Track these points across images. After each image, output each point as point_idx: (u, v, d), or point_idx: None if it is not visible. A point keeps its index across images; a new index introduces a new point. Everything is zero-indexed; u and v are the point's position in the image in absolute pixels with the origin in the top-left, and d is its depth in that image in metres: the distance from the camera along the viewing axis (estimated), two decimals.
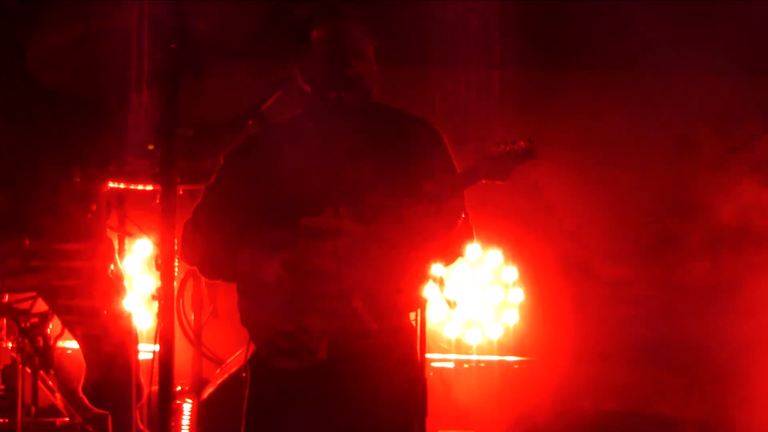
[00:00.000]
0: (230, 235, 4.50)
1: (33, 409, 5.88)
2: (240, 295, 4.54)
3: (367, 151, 4.52)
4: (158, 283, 4.07)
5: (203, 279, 7.17)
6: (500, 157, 4.35)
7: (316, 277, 4.40)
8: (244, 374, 4.60)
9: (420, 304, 4.45)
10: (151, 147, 4.89)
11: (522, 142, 4.35)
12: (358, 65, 4.47)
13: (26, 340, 5.83)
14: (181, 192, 6.12)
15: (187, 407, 7.14)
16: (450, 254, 4.56)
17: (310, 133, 4.57)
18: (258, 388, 4.57)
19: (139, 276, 7.59)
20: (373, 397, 4.49)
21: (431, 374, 7.68)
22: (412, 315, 4.52)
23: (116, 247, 6.15)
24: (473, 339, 8.04)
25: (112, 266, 5.91)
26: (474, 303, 8.03)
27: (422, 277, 4.42)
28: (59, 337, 6.00)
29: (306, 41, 4.52)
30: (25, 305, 5.94)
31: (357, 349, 4.45)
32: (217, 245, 4.52)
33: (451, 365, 7.80)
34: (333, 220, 4.41)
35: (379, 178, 4.48)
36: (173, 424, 5.43)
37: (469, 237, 4.60)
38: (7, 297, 5.95)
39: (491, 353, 7.99)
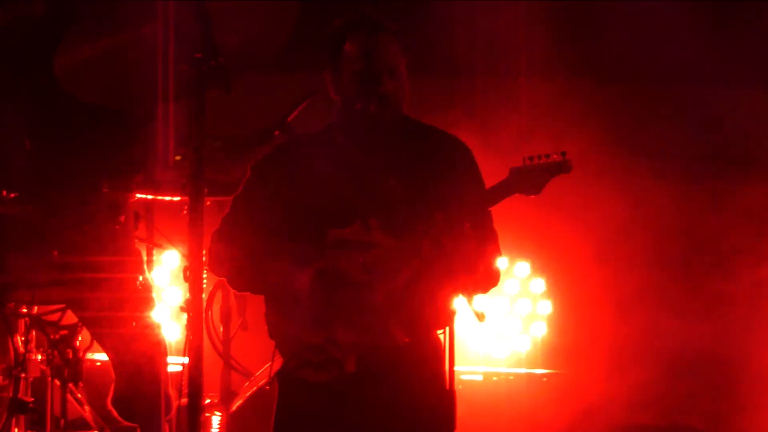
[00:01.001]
0: (259, 247, 4.49)
1: (62, 421, 5.90)
2: (268, 307, 4.53)
3: (396, 165, 4.51)
4: (187, 295, 4.08)
5: (232, 291, 7.18)
6: (533, 170, 4.33)
7: (346, 289, 4.39)
8: (268, 387, 4.58)
9: (449, 320, 4.45)
10: (178, 158, 4.91)
11: (555, 156, 4.33)
12: (389, 82, 4.46)
13: (55, 353, 5.85)
14: (208, 203, 6.12)
15: (215, 420, 7.14)
16: (484, 274, 4.51)
17: (340, 145, 4.56)
18: (286, 401, 4.56)
19: (167, 288, 7.60)
20: (402, 410, 4.47)
21: (459, 387, 7.64)
22: (439, 331, 4.51)
23: (145, 258, 6.16)
24: (501, 351, 8.02)
25: (140, 278, 5.91)
26: (502, 315, 8.02)
27: (451, 292, 4.42)
28: (88, 349, 6.01)
29: (339, 52, 4.50)
30: (54, 317, 5.95)
31: (386, 363, 4.44)
32: (245, 257, 4.51)
33: (479, 378, 7.78)
34: (363, 232, 4.40)
35: (408, 192, 4.47)
36: None
37: (497, 253, 4.58)
38: (36, 309, 5.96)
39: (520, 366, 7.97)
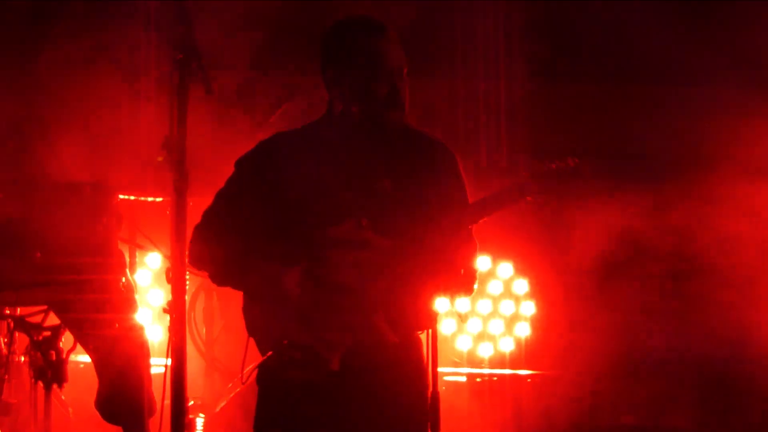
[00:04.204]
0: (243, 243, 4.47)
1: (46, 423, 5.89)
2: (248, 302, 4.50)
3: (387, 166, 4.50)
4: (170, 297, 4.07)
5: (215, 293, 7.18)
6: (551, 174, 4.29)
7: (336, 288, 4.38)
8: (243, 383, 4.56)
9: (432, 321, 4.46)
10: (160, 159, 4.89)
11: (570, 160, 4.28)
12: (399, 83, 4.45)
13: (38, 354, 5.84)
14: (191, 204, 6.10)
15: (199, 421, 7.15)
16: (465, 274, 4.51)
17: (332, 143, 4.54)
18: (268, 400, 4.54)
19: (150, 289, 7.60)
20: (385, 410, 4.47)
21: (443, 388, 7.66)
22: (421, 332, 4.52)
23: (127, 260, 6.15)
24: (485, 352, 8.03)
25: (123, 279, 5.91)
26: (485, 316, 8.03)
27: (434, 292, 4.43)
28: (72, 350, 6.00)
29: (344, 52, 4.49)
30: (37, 319, 5.94)
31: (371, 362, 4.43)
32: (227, 251, 4.48)
33: (463, 379, 7.80)
34: (355, 231, 4.39)
35: (399, 193, 4.46)
36: None
37: (475, 254, 4.59)
38: (19, 310, 5.95)
39: (503, 367, 7.98)
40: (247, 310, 4.49)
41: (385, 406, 4.46)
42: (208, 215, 4.54)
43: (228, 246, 4.47)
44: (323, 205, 4.45)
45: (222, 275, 4.55)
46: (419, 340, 4.51)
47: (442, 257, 4.33)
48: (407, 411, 4.46)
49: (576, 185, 4.31)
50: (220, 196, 4.56)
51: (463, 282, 4.48)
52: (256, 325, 4.46)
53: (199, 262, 4.53)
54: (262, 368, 4.50)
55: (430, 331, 4.41)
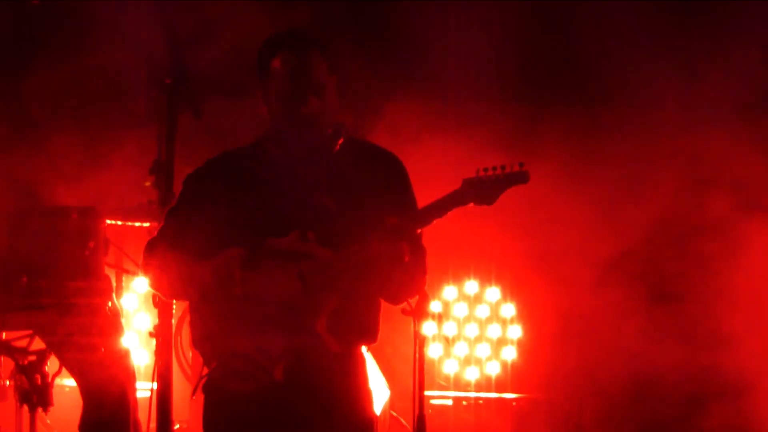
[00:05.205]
0: (188, 257, 4.45)
1: None
2: (193, 313, 4.48)
3: (330, 179, 4.52)
4: (156, 321, 4.07)
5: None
6: (488, 181, 4.35)
7: (278, 299, 4.39)
8: (192, 397, 4.54)
9: (376, 335, 4.48)
10: (148, 184, 4.88)
11: (512, 167, 4.35)
12: (314, 102, 4.46)
13: (24, 378, 5.83)
14: None
15: None
16: (406, 287, 4.53)
17: (276, 158, 4.56)
18: (213, 411, 4.52)
19: (137, 313, 7.59)
20: (326, 421, 4.46)
21: (430, 411, 7.67)
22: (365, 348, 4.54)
23: (114, 284, 6.15)
24: (472, 376, 8.03)
25: (109, 303, 5.90)
26: (472, 340, 8.04)
27: (381, 306, 4.46)
28: (57, 374, 5.99)
29: (267, 69, 4.49)
30: (23, 343, 5.93)
31: (314, 374, 4.43)
32: (173, 266, 4.45)
33: (449, 402, 7.79)
34: (300, 243, 4.40)
35: (342, 207, 4.48)
36: None
37: (424, 271, 4.59)
38: (4, 335, 5.94)
39: (490, 390, 7.98)
40: (192, 324, 4.48)
41: (328, 421, 4.46)
42: (160, 231, 4.53)
43: (174, 260, 4.46)
44: (269, 218, 4.47)
45: (170, 289, 4.52)
46: (362, 355, 4.52)
47: (386, 267, 4.35)
48: (347, 424, 4.46)
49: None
50: (169, 213, 4.55)
51: (412, 291, 4.49)
52: (201, 337, 4.45)
53: (150, 277, 4.52)
54: (207, 379, 4.47)
55: (417, 354, 4.41)
